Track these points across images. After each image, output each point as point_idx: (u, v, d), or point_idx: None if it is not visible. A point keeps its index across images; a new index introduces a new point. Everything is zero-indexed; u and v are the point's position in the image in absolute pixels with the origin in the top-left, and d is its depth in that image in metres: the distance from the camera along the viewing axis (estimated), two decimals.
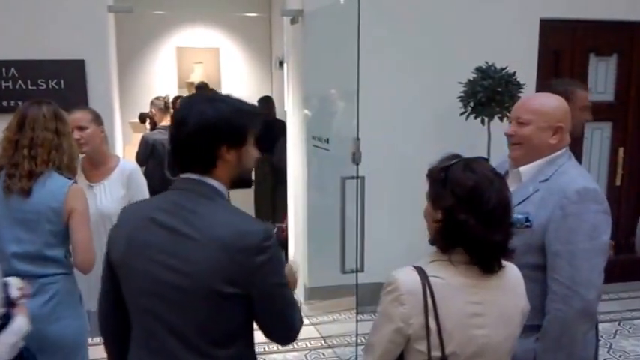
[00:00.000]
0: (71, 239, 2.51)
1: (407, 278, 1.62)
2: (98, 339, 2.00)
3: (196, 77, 8.69)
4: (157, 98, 5.77)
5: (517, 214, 2.00)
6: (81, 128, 3.03)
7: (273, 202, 6.64)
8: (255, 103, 7.01)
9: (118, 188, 3.13)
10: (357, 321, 3.99)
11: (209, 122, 1.58)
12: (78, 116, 3.05)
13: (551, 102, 2.20)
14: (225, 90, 8.95)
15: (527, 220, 2.04)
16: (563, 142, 2.18)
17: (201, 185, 1.61)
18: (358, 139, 3.97)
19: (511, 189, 2.12)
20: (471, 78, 4.41)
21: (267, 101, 6.94)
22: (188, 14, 8.57)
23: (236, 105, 1.65)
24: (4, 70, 4.19)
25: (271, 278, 1.57)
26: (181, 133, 1.59)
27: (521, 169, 2.19)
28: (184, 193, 1.61)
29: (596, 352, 2.29)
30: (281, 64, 7.08)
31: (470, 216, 1.57)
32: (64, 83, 4.27)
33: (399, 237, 4.47)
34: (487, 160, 1.70)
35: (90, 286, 2.70)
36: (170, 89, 8.12)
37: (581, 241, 2.00)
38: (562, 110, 2.18)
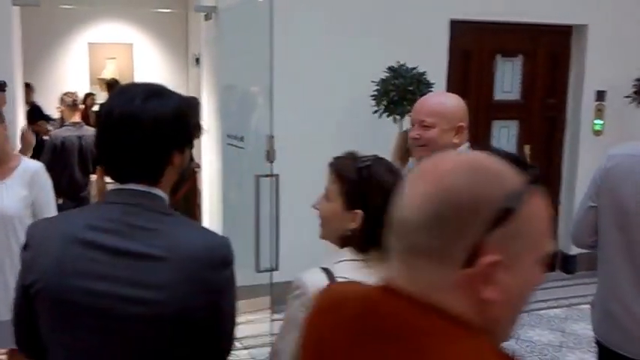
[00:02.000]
0: None
1: (315, 281, 1.54)
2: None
3: (109, 73, 8.43)
4: (66, 94, 5.54)
5: None
6: None
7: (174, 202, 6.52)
8: None
9: (19, 188, 2.99)
10: (271, 320, 3.98)
11: (167, 121, 1.31)
12: None
13: (452, 102, 2.25)
14: None
15: None
16: (464, 140, 2.25)
17: (149, 197, 1.35)
18: (272, 136, 3.96)
19: None
20: (384, 77, 4.48)
21: None
22: (100, 9, 8.29)
23: (184, 98, 1.39)
24: None
25: (232, 295, 1.39)
26: (130, 134, 1.30)
27: None
28: (130, 209, 1.32)
29: None
30: (197, 61, 6.97)
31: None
32: None
33: (314, 235, 4.49)
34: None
35: None
36: (81, 86, 7.84)
37: None
38: (462, 109, 2.25)
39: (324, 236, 1.71)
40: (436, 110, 2.20)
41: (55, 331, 1.36)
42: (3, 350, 2.70)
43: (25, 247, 1.39)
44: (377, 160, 1.66)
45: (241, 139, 4.57)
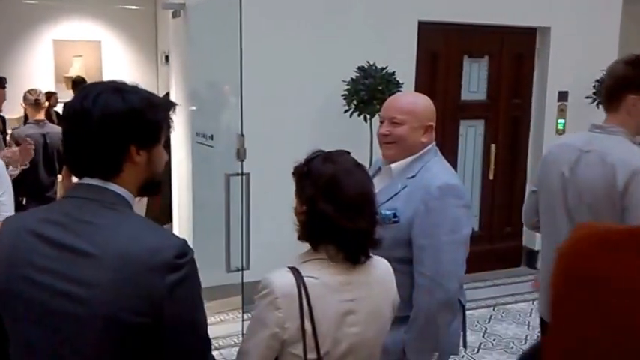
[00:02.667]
0: None
1: (282, 281, 1.57)
2: None
3: (75, 71, 8.30)
4: (30, 92, 5.45)
5: (385, 210, 2.07)
6: None
7: None
8: None
9: None
10: (242, 320, 3.97)
11: (117, 117, 1.32)
12: None
13: (422, 102, 2.28)
14: None
15: (394, 215, 2.11)
16: (432, 140, 2.28)
17: (103, 193, 1.34)
18: (242, 135, 3.96)
19: (383, 185, 2.20)
20: (354, 77, 4.52)
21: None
22: (66, 5, 8.17)
23: (148, 96, 1.40)
24: None
25: (184, 304, 1.29)
26: (81, 129, 1.32)
27: (393, 165, 2.25)
28: (81, 202, 1.33)
29: (464, 338, 2.41)
30: (167, 59, 6.92)
31: (329, 205, 1.57)
32: None
33: (284, 234, 4.49)
34: (349, 153, 1.71)
35: None
36: (47, 84, 7.69)
37: (444, 235, 2.08)
38: (431, 110, 2.29)
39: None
40: (407, 109, 2.22)
41: (7, 320, 1.37)
42: None
43: None
44: (319, 152, 1.68)
45: (211, 137, 4.56)
